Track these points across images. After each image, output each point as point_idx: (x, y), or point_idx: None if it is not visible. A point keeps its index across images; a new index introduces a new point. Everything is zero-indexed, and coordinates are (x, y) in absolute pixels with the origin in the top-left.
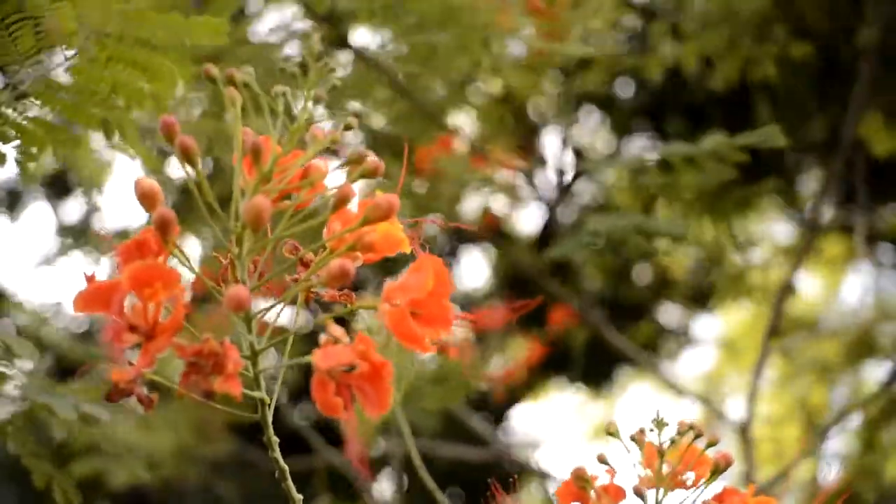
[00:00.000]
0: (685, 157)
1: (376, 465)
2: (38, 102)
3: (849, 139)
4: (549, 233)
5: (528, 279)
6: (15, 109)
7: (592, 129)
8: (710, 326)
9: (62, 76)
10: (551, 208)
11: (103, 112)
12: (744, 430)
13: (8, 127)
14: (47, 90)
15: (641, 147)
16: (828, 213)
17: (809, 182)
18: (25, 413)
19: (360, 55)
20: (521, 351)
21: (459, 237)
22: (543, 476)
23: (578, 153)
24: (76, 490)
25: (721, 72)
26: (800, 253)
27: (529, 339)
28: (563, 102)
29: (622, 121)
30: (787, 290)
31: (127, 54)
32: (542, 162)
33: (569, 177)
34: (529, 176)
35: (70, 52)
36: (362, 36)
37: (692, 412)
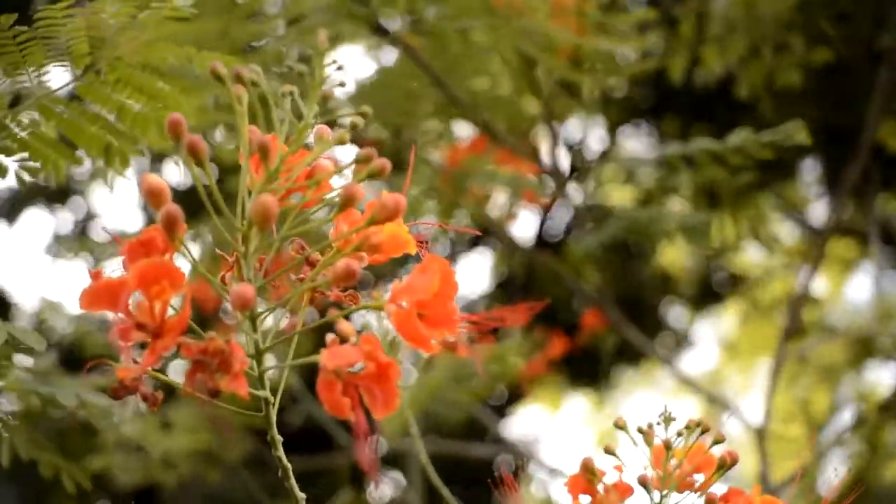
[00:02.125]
0: (712, 154)
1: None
2: (40, 118)
3: (868, 144)
4: (544, 234)
5: (533, 279)
6: (18, 124)
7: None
8: (712, 327)
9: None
10: (546, 210)
11: (106, 135)
12: (759, 432)
13: (10, 140)
14: (51, 106)
15: (643, 145)
16: (839, 216)
17: (807, 181)
18: (28, 408)
19: (399, 43)
20: (541, 348)
21: (462, 240)
22: (550, 471)
23: (570, 149)
24: (87, 478)
25: (745, 80)
26: (815, 258)
27: (549, 336)
28: (591, 101)
29: (616, 119)
30: (804, 295)
31: (136, 79)
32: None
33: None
34: (557, 176)
35: (78, 72)
36: (397, 24)
37: (707, 412)
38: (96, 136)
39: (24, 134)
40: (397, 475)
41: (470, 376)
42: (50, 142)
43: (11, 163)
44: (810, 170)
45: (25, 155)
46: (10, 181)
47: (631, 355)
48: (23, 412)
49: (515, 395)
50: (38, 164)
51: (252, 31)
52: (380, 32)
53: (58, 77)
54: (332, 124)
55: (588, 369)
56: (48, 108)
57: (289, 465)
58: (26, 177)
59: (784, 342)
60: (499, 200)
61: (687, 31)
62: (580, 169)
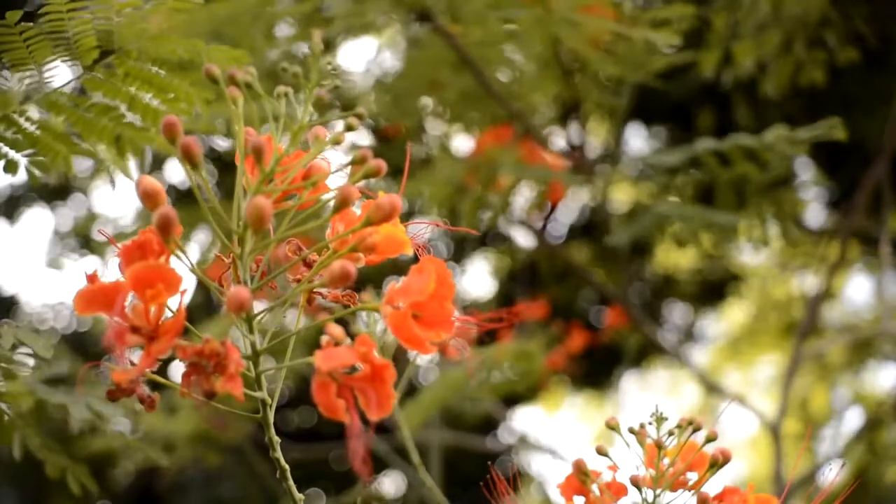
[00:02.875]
0: (746, 150)
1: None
2: (49, 113)
3: (889, 149)
4: (547, 231)
5: (537, 278)
6: (28, 119)
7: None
8: (714, 325)
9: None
10: (552, 207)
11: (116, 128)
12: (775, 431)
13: (20, 135)
14: (59, 101)
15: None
16: (853, 220)
17: (806, 185)
18: (33, 409)
19: (438, 30)
20: (559, 344)
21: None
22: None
23: (574, 148)
24: (91, 479)
25: (774, 76)
26: (835, 262)
27: (567, 331)
28: (622, 95)
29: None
30: (822, 295)
31: (145, 72)
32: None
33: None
34: (582, 168)
35: (86, 66)
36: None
37: (718, 410)
38: (107, 128)
39: (33, 129)
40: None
41: (489, 376)
42: (59, 136)
43: (21, 158)
44: (808, 173)
45: (35, 150)
46: (9, 179)
47: (637, 354)
48: (28, 411)
49: (532, 391)
50: (47, 160)
51: (287, 11)
52: (423, 18)
53: (65, 71)
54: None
55: (602, 367)
56: (57, 103)
57: (286, 466)
58: (37, 172)
59: (800, 341)
60: (524, 193)
61: (720, 26)
62: (598, 164)
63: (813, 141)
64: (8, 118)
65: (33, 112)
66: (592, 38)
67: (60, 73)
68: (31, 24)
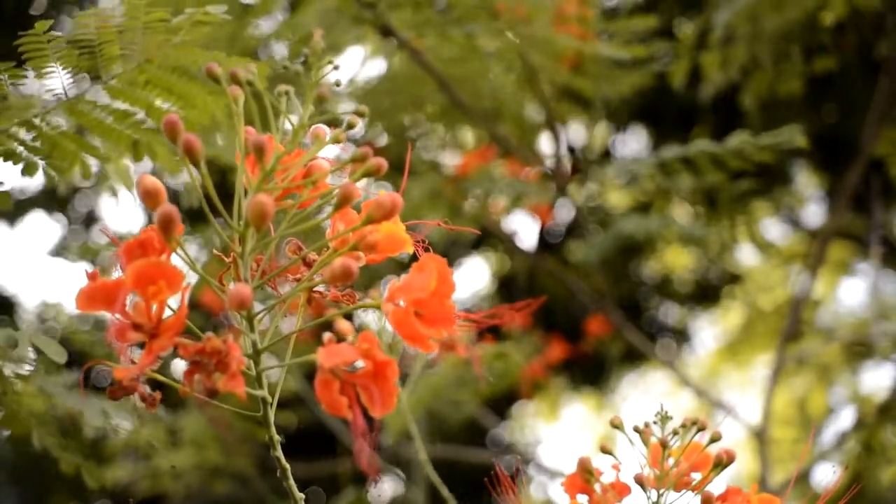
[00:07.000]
0: (710, 157)
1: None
2: (70, 118)
3: (867, 151)
4: (545, 236)
5: (535, 282)
6: (48, 124)
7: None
8: (710, 325)
9: (98, 94)
10: (541, 218)
11: (135, 133)
12: (759, 434)
13: (40, 140)
14: (80, 107)
15: (642, 147)
16: (838, 221)
17: (802, 186)
18: (48, 411)
19: (404, 45)
20: (543, 351)
21: (463, 242)
22: (550, 474)
23: (573, 152)
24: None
25: (749, 89)
26: (814, 262)
27: (549, 340)
28: (593, 105)
29: (617, 122)
30: (803, 299)
31: (165, 81)
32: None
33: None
34: (560, 178)
35: (110, 74)
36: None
37: (706, 413)
38: (124, 133)
39: (53, 133)
40: (399, 476)
41: (472, 378)
42: (78, 141)
43: (40, 161)
44: (807, 175)
45: (53, 154)
46: (9, 182)
47: (631, 357)
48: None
49: (515, 397)
50: (64, 164)
51: (260, 36)
52: (386, 35)
53: (86, 78)
54: (332, 123)
55: (591, 373)
56: (78, 109)
57: (287, 466)
58: (54, 175)
59: (783, 345)
60: (500, 204)
61: (688, 38)
62: (581, 171)
63: (775, 148)
64: (29, 122)
65: (53, 117)
66: (559, 55)
67: (82, 80)
68: (59, 33)
